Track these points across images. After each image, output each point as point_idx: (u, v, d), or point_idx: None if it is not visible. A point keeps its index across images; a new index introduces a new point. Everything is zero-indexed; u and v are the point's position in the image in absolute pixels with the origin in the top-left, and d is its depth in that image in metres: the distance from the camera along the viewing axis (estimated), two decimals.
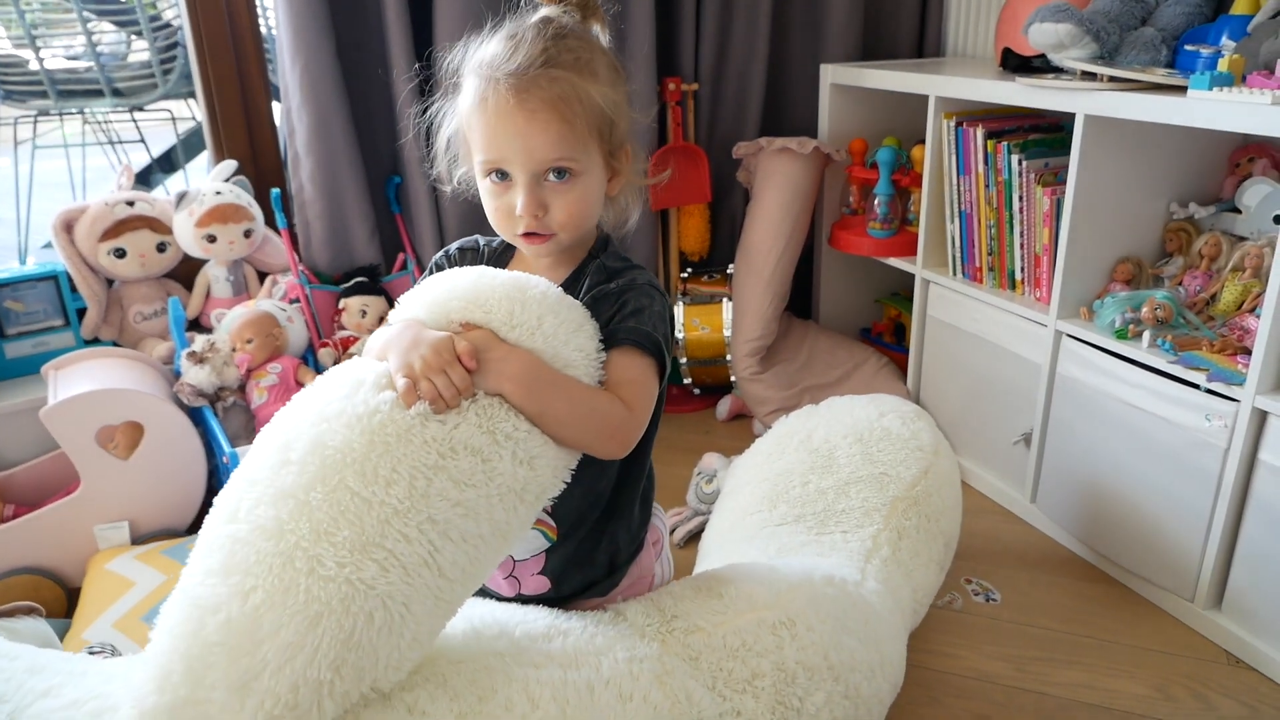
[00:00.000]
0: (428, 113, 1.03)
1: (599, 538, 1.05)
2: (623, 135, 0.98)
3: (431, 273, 1.04)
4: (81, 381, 1.61)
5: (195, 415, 1.71)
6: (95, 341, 1.90)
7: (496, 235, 1.05)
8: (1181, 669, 1.41)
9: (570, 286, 0.99)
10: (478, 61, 0.94)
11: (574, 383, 0.90)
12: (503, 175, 0.95)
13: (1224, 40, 1.50)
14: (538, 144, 0.91)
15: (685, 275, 2.26)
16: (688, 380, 2.25)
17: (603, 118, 0.94)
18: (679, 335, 2.19)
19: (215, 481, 1.72)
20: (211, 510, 0.84)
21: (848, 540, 1.36)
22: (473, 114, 0.94)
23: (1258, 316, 1.35)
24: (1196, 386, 1.41)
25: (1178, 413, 1.44)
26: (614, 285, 0.97)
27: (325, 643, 0.75)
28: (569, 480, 0.94)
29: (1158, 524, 1.51)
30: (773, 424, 2.07)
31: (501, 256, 1.07)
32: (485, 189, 0.97)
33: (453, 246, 1.10)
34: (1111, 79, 1.50)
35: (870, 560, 1.32)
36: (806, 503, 1.44)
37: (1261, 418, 1.34)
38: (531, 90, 0.90)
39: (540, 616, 0.99)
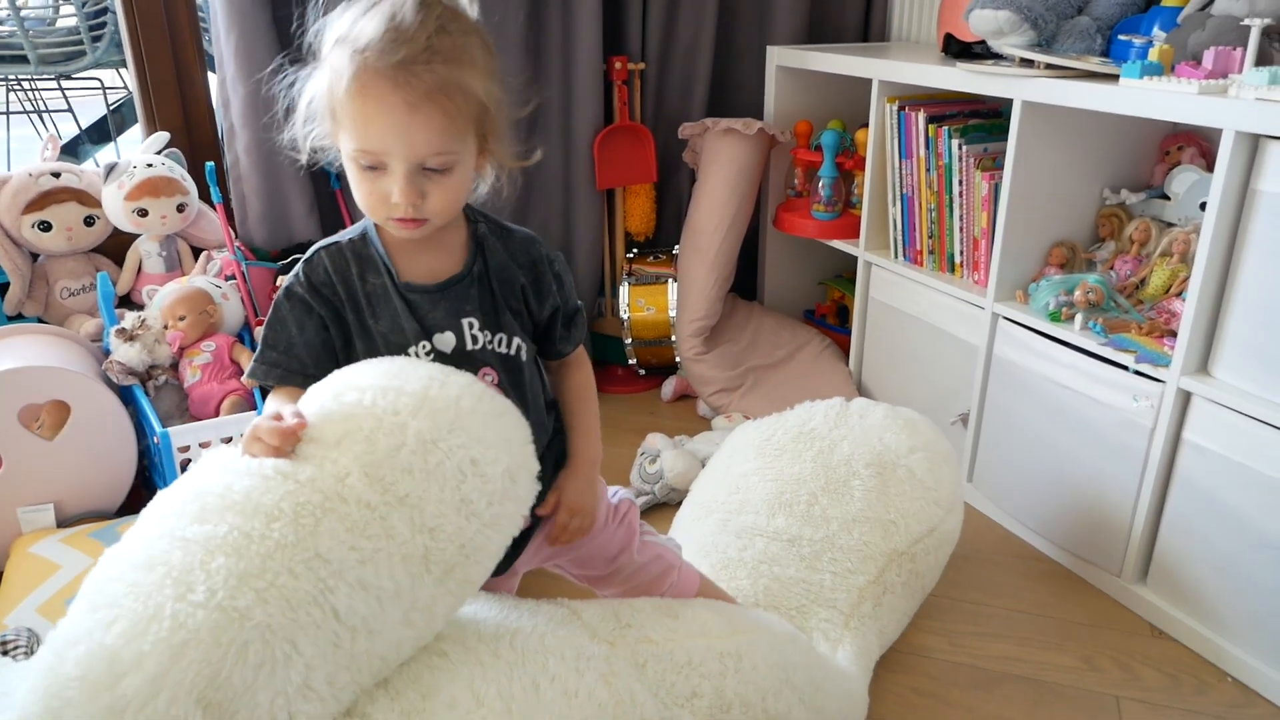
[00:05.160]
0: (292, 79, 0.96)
1: (551, 460, 1.08)
2: (495, 120, 0.95)
3: (289, 298, 0.98)
4: (3, 359, 1.55)
5: (125, 394, 1.66)
6: (19, 318, 1.84)
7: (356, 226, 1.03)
8: (1108, 641, 1.46)
9: (475, 255, 1.01)
10: (353, 42, 0.87)
11: (592, 417, 1.10)
12: (374, 165, 0.91)
13: (1155, 31, 1.53)
14: (419, 139, 0.88)
15: (631, 255, 2.25)
16: (633, 361, 2.25)
17: (480, 108, 0.91)
18: (624, 316, 2.19)
19: (145, 463, 1.67)
20: None
21: (835, 588, 1.32)
22: (346, 99, 0.88)
23: (1184, 300, 1.39)
24: (1125, 368, 1.45)
25: (1107, 393, 1.48)
26: (541, 256, 1.04)
27: (191, 676, 0.70)
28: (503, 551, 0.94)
29: (1088, 502, 1.56)
30: (717, 403, 2.09)
31: (367, 252, 1.00)
32: (355, 173, 0.93)
33: (320, 252, 1.00)
34: (1048, 66, 1.53)
35: (849, 623, 1.31)
36: (808, 523, 1.38)
37: (1186, 398, 1.39)
38: (413, 84, 0.86)
39: (490, 615, 0.99)
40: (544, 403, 1.07)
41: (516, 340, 1.02)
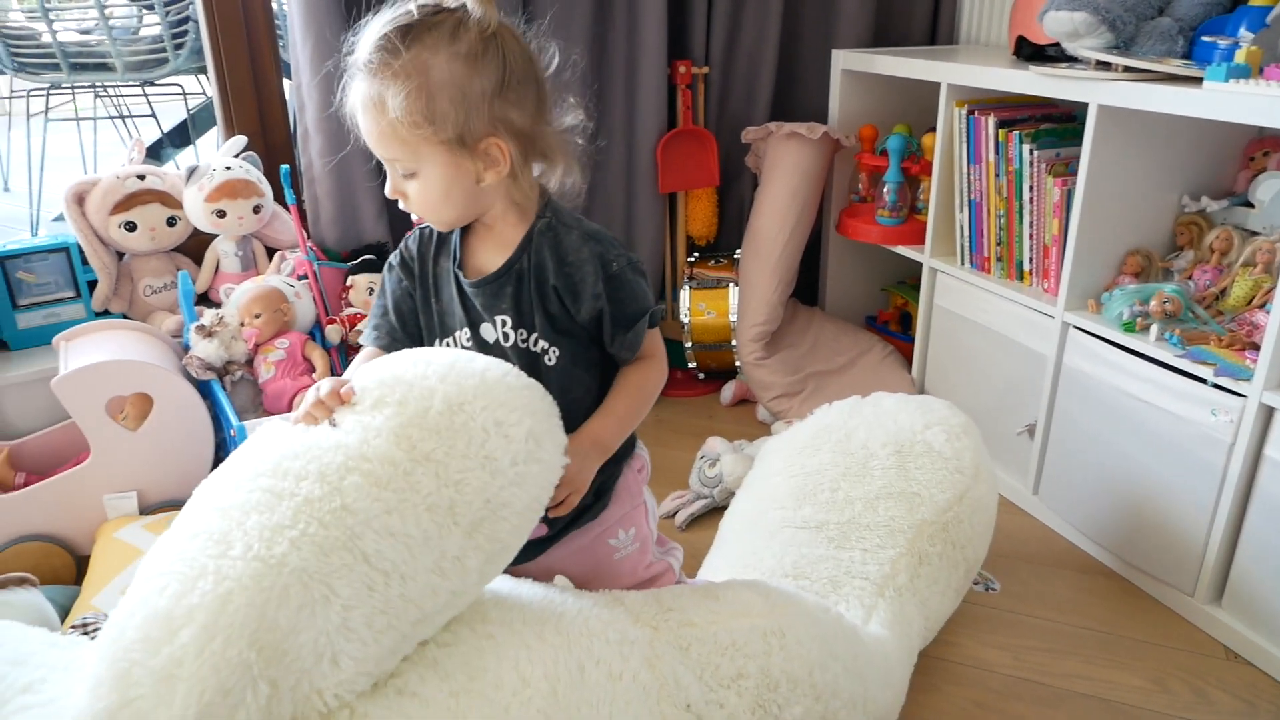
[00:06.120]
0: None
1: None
2: (480, 131, 0.94)
3: (389, 269, 1.10)
4: (92, 353, 1.62)
5: (203, 388, 1.72)
6: (105, 314, 1.91)
7: None
8: (1179, 662, 1.42)
9: (521, 253, 1.02)
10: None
11: (624, 407, 1.05)
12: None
13: (1242, 31, 1.48)
14: (369, 137, 0.97)
15: (692, 259, 2.26)
16: (692, 365, 2.25)
17: (418, 126, 0.92)
18: (684, 320, 2.19)
19: (222, 454, 1.73)
20: None
21: (865, 562, 1.33)
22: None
23: (1268, 312, 1.35)
24: (1203, 381, 1.40)
25: (1184, 407, 1.44)
26: (589, 257, 1.00)
27: (240, 620, 0.75)
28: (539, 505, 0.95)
29: (1160, 518, 1.51)
30: (777, 408, 2.08)
31: (447, 236, 1.07)
32: None
33: (417, 230, 1.10)
34: (1126, 69, 1.49)
35: (883, 592, 1.30)
36: (833, 509, 1.40)
37: (1268, 414, 1.34)
38: (360, 92, 0.95)
39: (535, 599, 1.00)
40: (573, 409, 1.03)
41: (543, 342, 1.03)
